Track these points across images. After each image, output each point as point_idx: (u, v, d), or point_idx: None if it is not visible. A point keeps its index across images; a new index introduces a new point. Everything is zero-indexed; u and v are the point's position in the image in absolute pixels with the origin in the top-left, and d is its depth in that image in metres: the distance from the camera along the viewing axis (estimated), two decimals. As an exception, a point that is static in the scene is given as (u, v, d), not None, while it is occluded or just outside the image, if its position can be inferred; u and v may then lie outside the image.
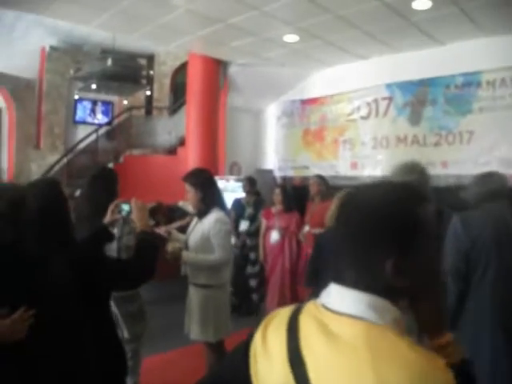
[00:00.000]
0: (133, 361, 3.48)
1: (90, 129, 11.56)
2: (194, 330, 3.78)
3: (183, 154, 9.51)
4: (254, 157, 10.26)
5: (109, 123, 12.10)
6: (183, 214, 7.34)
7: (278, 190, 6.63)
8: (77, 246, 2.33)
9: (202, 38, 7.39)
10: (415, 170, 3.46)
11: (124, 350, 2.49)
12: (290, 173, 9.73)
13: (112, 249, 3.40)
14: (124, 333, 3.40)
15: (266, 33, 7.10)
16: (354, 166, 8.72)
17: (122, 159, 10.76)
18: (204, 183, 3.91)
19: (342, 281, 1.06)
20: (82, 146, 10.84)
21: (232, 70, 8.89)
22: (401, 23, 6.64)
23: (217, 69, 8.67)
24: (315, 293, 3.24)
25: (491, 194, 2.82)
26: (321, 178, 6.60)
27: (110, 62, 8.91)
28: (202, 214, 3.91)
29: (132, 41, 9.34)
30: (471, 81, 7.31)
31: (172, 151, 10.46)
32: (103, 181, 3.64)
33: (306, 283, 3.81)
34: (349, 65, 8.63)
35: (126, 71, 9.09)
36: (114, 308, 3.34)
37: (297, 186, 8.68)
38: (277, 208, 6.58)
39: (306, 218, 6.50)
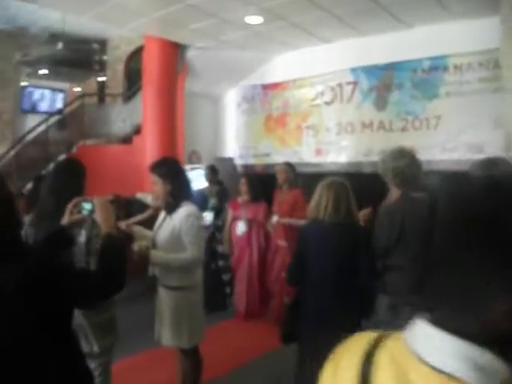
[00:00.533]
0: (102, 377, 3.11)
1: (39, 118, 10.80)
2: (166, 336, 3.45)
3: (139, 142, 9.07)
4: (214, 145, 9.94)
5: (60, 112, 11.39)
6: (143, 206, 6.96)
7: (243, 180, 6.32)
8: (27, 253, 1.93)
9: (158, 19, 6.95)
10: (405, 155, 3.26)
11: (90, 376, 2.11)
12: (252, 161, 9.43)
13: (80, 253, 3.00)
14: (93, 347, 3.02)
15: (228, 14, 6.72)
16: (318, 152, 8.49)
17: (74, 150, 10.15)
18: (173, 174, 3.55)
19: (432, 318, 0.77)
20: (31, 136, 10.13)
21: (190, 54, 8.47)
22: (369, 5, 6.40)
23: (174, 53, 8.23)
24: (299, 291, 2.95)
25: None
26: (289, 165, 6.33)
27: (60, 45, 8.35)
28: (171, 208, 3.54)
29: (83, 24, 8.82)
30: (438, 65, 7.19)
31: (127, 140, 9.95)
32: (67, 174, 3.23)
33: (289, 281, 3.51)
34: (312, 48, 8.37)
35: (78, 56, 8.57)
36: (81, 319, 2.96)
37: (260, 174, 8.39)
38: (243, 198, 6.27)
39: (273, 208, 6.23)
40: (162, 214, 3.68)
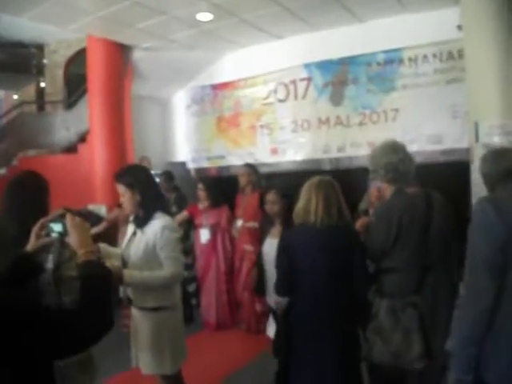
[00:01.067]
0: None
1: (-28, 130, 9.99)
2: (146, 363, 3.11)
3: (86, 151, 8.59)
4: (164, 149, 9.53)
5: (-4, 122, 10.68)
6: (97, 219, 6.54)
7: (200, 185, 6.01)
8: None
9: (103, 18, 6.49)
10: (398, 150, 3.04)
11: None
12: (205, 164, 9.07)
13: (47, 282, 2.60)
14: (71, 389, 2.63)
15: (177, 10, 6.37)
16: (273, 151, 8.23)
17: (15, 162, 9.53)
18: (142, 182, 3.19)
19: None
20: (-34, 149, 9.43)
21: (136, 56, 8.06)
22: (322, -2, 6.21)
23: (119, 54, 7.76)
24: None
25: (509, 173, 2.39)
26: (250, 166, 6.09)
27: (-5, 49, 7.75)
28: (142, 221, 3.19)
29: (18, 27, 8.27)
30: (393, 58, 7.10)
31: (72, 149, 9.43)
32: (27, 190, 2.80)
33: (277, 292, 3.21)
34: (263, 45, 8.11)
35: (15, 60, 7.95)
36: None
37: (217, 177, 8.11)
38: (203, 204, 5.96)
39: (237, 212, 5.96)
40: (131, 228, 3.34)
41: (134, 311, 3.20)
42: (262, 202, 4.13)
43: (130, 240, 3.26)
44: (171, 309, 3.16)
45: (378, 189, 3.83)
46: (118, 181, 3.19)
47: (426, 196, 2.97)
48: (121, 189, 3.18)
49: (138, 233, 3.19)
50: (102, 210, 6.98)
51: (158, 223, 3.10)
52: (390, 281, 2.98)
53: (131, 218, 3.36)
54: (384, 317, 2.94)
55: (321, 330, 2.94)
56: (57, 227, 2.11)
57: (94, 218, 6.68)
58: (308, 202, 3.00)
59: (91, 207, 7.13)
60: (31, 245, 2.14)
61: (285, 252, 3.08)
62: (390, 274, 2.97)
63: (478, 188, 3.91)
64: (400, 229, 2.86)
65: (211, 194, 5.94)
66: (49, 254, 2.60)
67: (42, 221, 2.16)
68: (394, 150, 3.01)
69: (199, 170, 9.06)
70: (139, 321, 3.15)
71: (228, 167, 8.65)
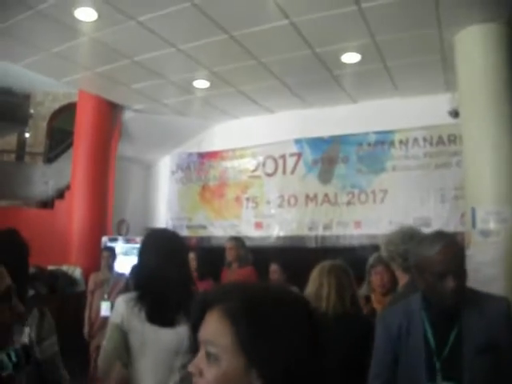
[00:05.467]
0: None
1: None
2: None
3: (63, 207, 8.27)
4: (144, 214, 9.21)
5: (-29, 169, 10.25)
6: (71, 282, 6.20)
7: (192, 255, 5.70)
8: None
9: (99, 74, 6.38)
10: (417, 237, 2.86)
11: None
12: (185, 232, 8.76)
13: None
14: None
15: (176, 75, 6.34)
16: (258, 225, 8.03)
17: (-16, 210, 9.13)
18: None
19: None
20: None
21: (126, 116, 7.92)
22: (323, 76, 6.30)
23: (110, 113, 7.64)
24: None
25: None
26: (238, 240, 5.82)
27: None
28: None
29: (8, 74, 8.09)
30: (384, 139, 7.19)
31: (48, 204, 9.09)
32: (12, 253, 2.13)
33: None
34: (255, 118, 8.08)
35: (1, 108, 7.69)
36: None
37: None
38: (188, 275, 5.65)
39: (221, 287, 5.65)
40: None
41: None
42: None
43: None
44: None
45: (381, 276, 3.66)
46: None
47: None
48: None
49: None
50: (76, 272, 6.60)
51: None
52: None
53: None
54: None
55: None
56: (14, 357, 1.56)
57: (68, 280, 6.33)
58: (320, 288, 2.78)
59: (65, 268, 6.73)
60: None
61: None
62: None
63: (473, 274, 3.78)
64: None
65: (201, 266, 5.63)
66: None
67: None
68: (413, 238, 2.85)
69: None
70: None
71: (209, 238, 8.41)
